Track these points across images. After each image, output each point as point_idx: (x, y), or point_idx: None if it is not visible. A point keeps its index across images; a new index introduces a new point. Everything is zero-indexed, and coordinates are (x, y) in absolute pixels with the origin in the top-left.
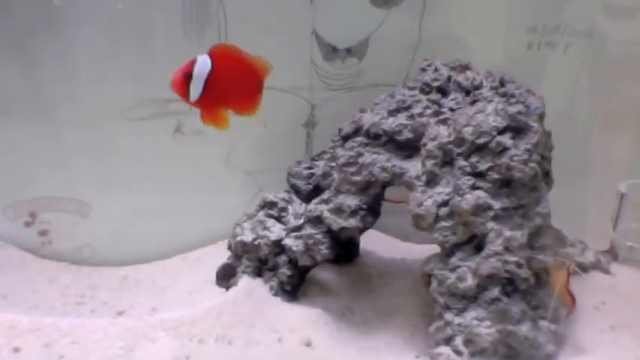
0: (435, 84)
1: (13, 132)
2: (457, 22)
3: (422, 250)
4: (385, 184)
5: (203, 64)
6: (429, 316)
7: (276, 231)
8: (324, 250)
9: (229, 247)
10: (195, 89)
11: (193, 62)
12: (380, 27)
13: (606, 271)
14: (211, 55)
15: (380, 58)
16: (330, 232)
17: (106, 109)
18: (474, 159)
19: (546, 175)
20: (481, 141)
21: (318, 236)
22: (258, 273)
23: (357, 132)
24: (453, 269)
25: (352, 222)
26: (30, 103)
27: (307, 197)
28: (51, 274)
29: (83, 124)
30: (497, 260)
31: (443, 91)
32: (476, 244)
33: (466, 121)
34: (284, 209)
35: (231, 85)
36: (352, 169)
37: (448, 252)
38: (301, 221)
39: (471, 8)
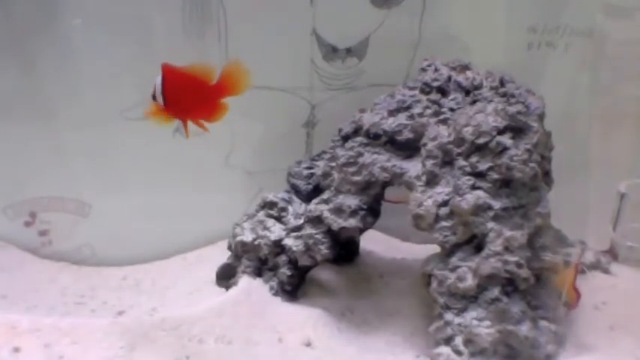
0: (435, 84)
1: (13, 132)
2: (457, 22)
3: (422, 250)
4: (385, 184)
5: (157, 80)
6: (429, 316)
7: (276, 231)
8: (324, 250)
9: (229, 247)
10: (159, 100)
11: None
12: (380, 27)
13: (606, 271)
14: (162, 69)
15: (380, 58)
16: (330, 232)
17: (106, 109)
18: (474, 159)
19: (546, 175)
20: (481, 141)
21: (318, 236)
22: (258, 273)
23: (357, 132)
24: (453, 269)
25: (352, 222)
26: (30, 103)
27: (307, 197)
28: (51, 274)
29: (83, 124)
30: (497, 260)
31: (443, 91)
32: (476, 244)
33: (466, 121)
34: (284, 209)
35: (183, 94)
36: (352, 169)
37: (448, 252)
38: (301, 221)
39: (471, 8)
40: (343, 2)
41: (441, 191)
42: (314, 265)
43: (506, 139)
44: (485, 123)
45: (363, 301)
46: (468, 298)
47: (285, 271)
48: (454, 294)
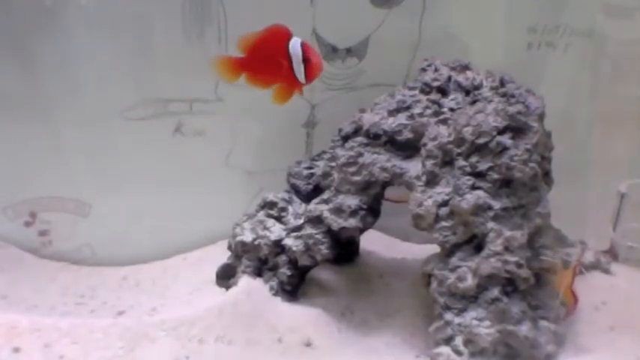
0: (435, 84)
1: (13, 132)
2: (457, 22)
3: (422, 250)
4: (385, 184)
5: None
6: (429, 316)
7: (276, 231)
8: (324, 250)
9: (229, 247)
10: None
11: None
12: (380, 27)
13: (606, 271)
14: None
15: (380, 58)
16: (330, 232)
17: (106, 109)
18: (474, 159)
19: (546, 175)
20: (481, 141)
21: (318, 236)
22: (258, 273)
23: (357, 132)
24: (453, 269)
25: (352, 222)
26: (30, 103)
27: (307, 197)
28: (51, 274)
29: (83, 124)
30: (497, 260)
31: (443, 91)
32: (476, 244)
33: (466, 121)
34: (284, 209)
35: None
36: (352, 169)
37: (448, 252)
38: (301, 221)
39: (471, 8)
40: (343, 2)
41: (441, 191)
42: (314, 265)
43: (506, 139)
44: (486, 123)
45: (363, 301)
46: (468, 298)
47: (285, 271)
48: (454, 294)
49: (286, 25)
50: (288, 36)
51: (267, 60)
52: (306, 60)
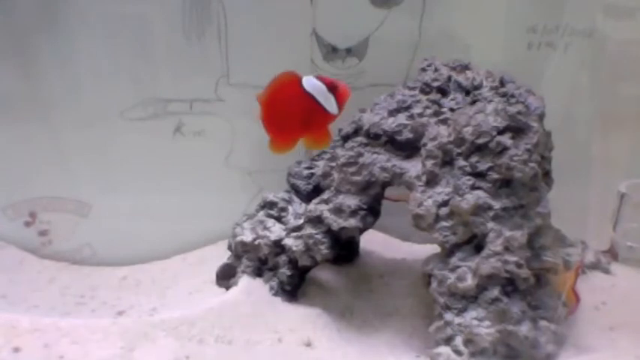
0: (435, 84)
1: (13, 132)
2: (457, 22)
3: (422, 250)
4: (385, 184)
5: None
6: (429, 316)
7: (276, 231)
8: (324, 250)
9: (229, 247)
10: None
11: None
12: (380, 27)
13: (606, 271)
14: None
15: (380, 58)
16: (330, 232)
17: (106, 109)
18: (474, 159)
19: (546, 175)
20: (481, 141)
21: (318, 236)
22: (258, 273)
23: (357, 132)
24: (453, 269)
25: (352, 222)
26: (30, 103)
27: (307, 197)
28: (51, 274)
29: (83, 124)
30: (497, 260)
31: (443, 91)
32: (476, 244)
33: (466, 121)
34: (284, 209)
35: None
36: (352, 169)
37: (448, 252)
38: (301, 221)
39: (471, 8)
40: (343, 2)
41: (441, 191)
42: (314, 265)
43: (506, 139)
44: (486, 123)
45: (363, 301)
46: (468, 298)
47: (285, 271)
48: (454, 294)
49: (292, 70)
50: (297, 79)
51: (286, 113)
52: (333, 88)
